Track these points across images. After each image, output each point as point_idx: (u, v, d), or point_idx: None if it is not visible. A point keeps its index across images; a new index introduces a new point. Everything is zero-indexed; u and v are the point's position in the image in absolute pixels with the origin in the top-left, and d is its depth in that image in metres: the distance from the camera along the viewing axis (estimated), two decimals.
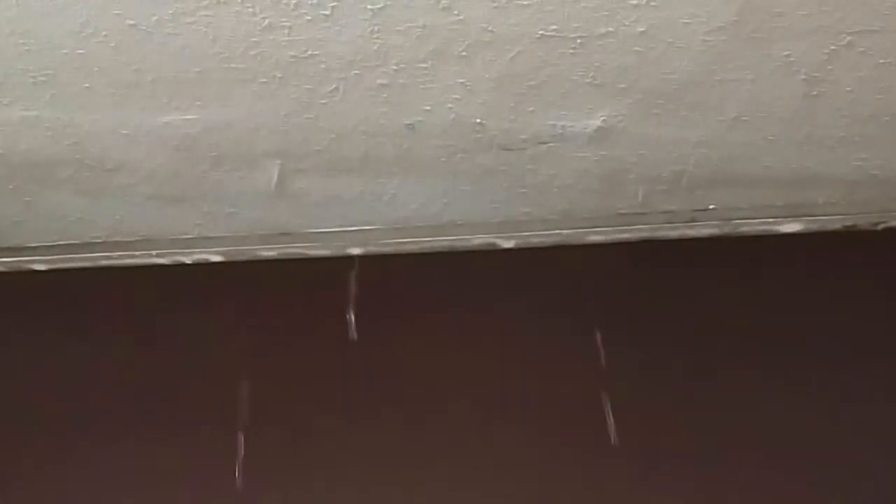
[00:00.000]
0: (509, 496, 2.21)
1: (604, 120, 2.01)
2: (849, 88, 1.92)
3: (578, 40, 1.81)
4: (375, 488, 2.24)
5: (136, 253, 2.48)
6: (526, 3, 1.74)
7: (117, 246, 2.47)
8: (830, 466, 2.18)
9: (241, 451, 2.30)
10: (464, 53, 1.84)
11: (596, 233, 2.37)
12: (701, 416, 2.24)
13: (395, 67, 1.87)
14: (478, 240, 2.40)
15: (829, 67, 1.87)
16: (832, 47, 1.82)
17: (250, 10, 1.74)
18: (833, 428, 2.21)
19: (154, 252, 2.47)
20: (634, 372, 2.28)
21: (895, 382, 2.23)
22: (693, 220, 2.34)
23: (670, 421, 2.24)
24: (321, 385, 2.36)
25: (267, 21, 1.76)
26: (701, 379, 2.27)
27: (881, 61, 1.85)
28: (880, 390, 2.23)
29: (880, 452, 2.19)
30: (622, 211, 2.33)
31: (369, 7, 1.74)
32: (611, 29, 1.79)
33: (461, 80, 1.90)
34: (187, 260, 2.49)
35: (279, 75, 1.89)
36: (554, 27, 1.78)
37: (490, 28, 1.79)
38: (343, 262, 2.44)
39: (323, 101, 1.95)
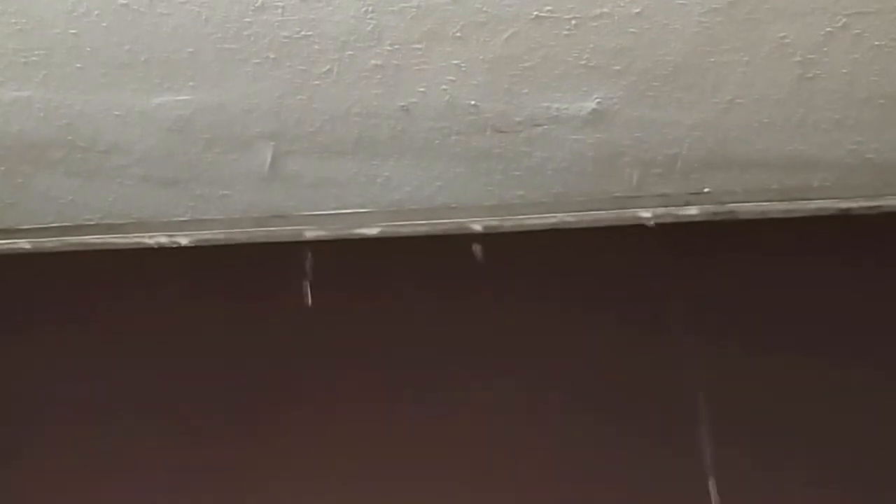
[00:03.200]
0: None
1: (598, 102, 2.01)
2: (844, 71, 1.91)
3: (573, 21, 1.80)
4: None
5: (129, 235, 2.47)
6: None
7: (110, 228, 2.46)
8: (829, 452, 2.19)
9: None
10: (458, 34, 1.83)
11: (591, 216, 2.36)
12: (692, 397, 2.24)
13: (388, 48, 1.86)
14: (472, 223, 2.39)
15: (825, 49, 1.86)
16: (828, 29, 1.81)
17: None
18: (829, 413, 2.21)
19: (147, 234, 2.47)
20: (626, 355, 2.28)
21: (889, 364, 2.23)
22: (688, 204, 2.33)
23: (662, 402, 2.24)
24: (314, 367, 2.37)
25: (260, 1, 1.76)
26: (693, 363, 2.27)
27: (876, 43, 1.84)
28: (876, 375, 2.23)
29: (871, 433, 2.19)
30: (617, 194, 2.32)
31: None
32: (605, 10, 1.78)
33: (455, 62, 1.90)
34: (180, 242, 2.48)
35: (272, 56, 1.88)
36: (548, 8, 1.78)
37: (484, 9, 1.78)
38: (336, 245, 2.44)
39: (316, 83, 1.95)
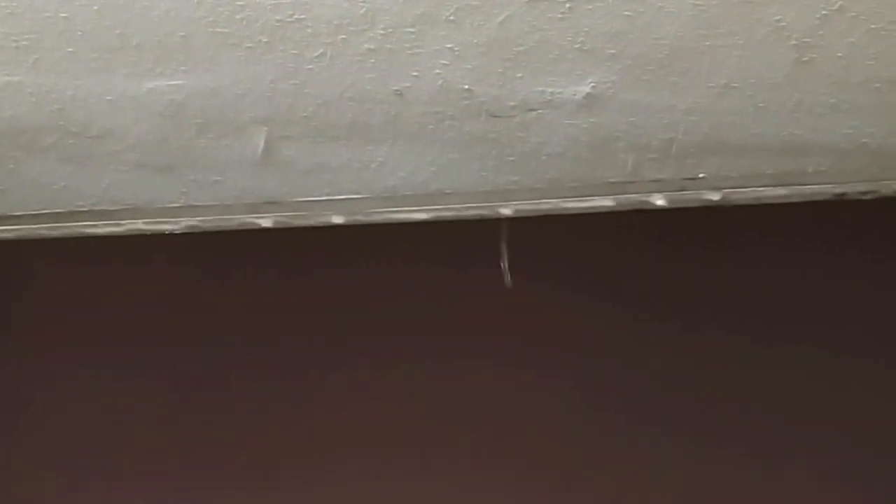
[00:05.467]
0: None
1: (593, 86, 1.99)
2: (840, 54, 1.90)
3: (567, 4, 1.78)
4: None
5: (122, 222, 2.46)
6: None
7: (103, 215, 2.45)
8: (819, 436, 2.19)
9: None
10: (451, 18, 1.81)
11: (585, 201, 2.35)
12: (689, 384, 2.24)
13: (382, 32, 1.85)
14: (466, 209, 2.38)
15: (821, 33, 1.85)
16: (823, 12, 1.80)
17: None
18: (822, 396, 2.21)
19: (140, 221, 2.46)
20: (622, 341, 2.28)
21: (884, 350, 2.23)
22: (683, 189, 2.33)
23: (657, 388, 2.24)
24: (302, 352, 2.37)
25: None
26: (690, 349, 2.27)
27: (873, 26, 1.83)
28: (873, 360, 2.23)
29: (869, 421, 2.19)
30: (611, 180, 2.31)
31: None
32: None
33: (449, 46, 1.88)
34: (174, 229, 2.47)
35: (265, 40, 1.86)
36: None
37: None
38: (329, 232, 2.43)
39: (309, 67, 1.93)
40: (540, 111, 2.06)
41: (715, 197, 2.33)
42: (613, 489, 2.20)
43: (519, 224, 2.38)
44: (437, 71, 1.94)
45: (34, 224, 2.47)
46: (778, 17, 1.82)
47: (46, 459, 2.37)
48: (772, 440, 2.19)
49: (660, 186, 2.32)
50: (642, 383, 2.25)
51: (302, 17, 1.81)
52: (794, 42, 1.87)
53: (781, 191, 2.31)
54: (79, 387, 2.41)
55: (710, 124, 2.11)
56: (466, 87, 1.99)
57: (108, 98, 2.03)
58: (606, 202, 2.35)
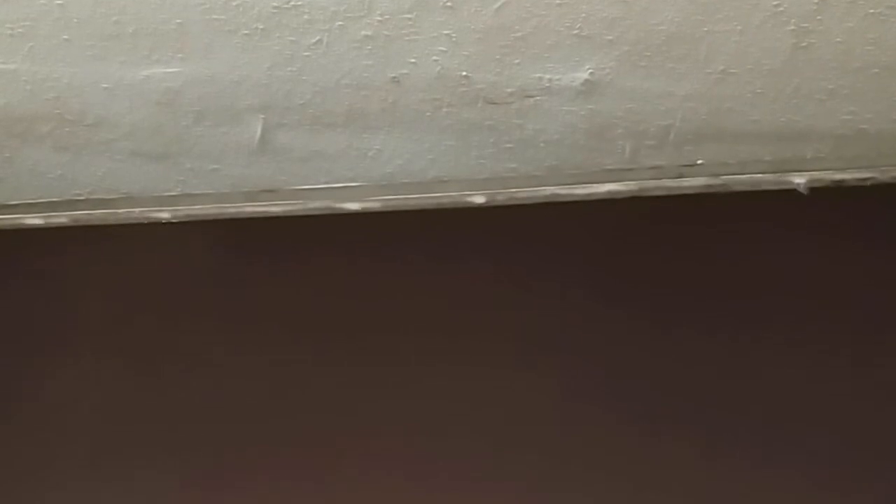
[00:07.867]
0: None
1: (591, 73, 1.99)
2: (839, 39, 1.90)
3: None
4: None
5: (119, 211, 2.46)
6: None
7: (99, 203, 2.44)
8: (816, 424, 2.19)
9: None
10: (449, 4, 1.81)
11: (583, 189, 2.35)
12: (686, 373, 2.24)
13: (379, 18, 1.84)
14: (463, 196, 2.38)
15: (819, 18, 1.84)
16: None
17: None
18: (820, 384, 2.21)
19: (137, 210, 2.45)
20: (620, 329, 2.28)
21: (883, 338, 2.23)
22: (681, 176, 2.32)
23: (655, 377, 2.24)
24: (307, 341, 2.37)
25: None
26: (687, 336, 2.26)
27: (871, 11, 1.82)
28: (868, 346, 2.22)
29: (866, 410, 2.19)
30: (609, 167, 2.31)
31: None
32: None
33: (446, 32, 1.88)
34: (170, 218, 2.46)
35: (261, 27, 1.86)
36: None
37: None
38: (328, 220, 2.43)
39: (306, 54, 1.93)
40: (537, 98, 2.06)
41: (713, 183, 2.32)
42: (612, 487, 2.20)
43: (516, 211, 2.37)
44: (435, 58, 1.94)
45: (30, 213, 2.47)
46: (776, 3, 1.81)
47: (40, 456, 2.37)
48: (772, 434, 2.19)
49: (658, 173, 2.31)
50: (640, 371, 2.25)
51: (298, 3, 1.80)
52: (792, 27, 1.87)
53: (780, 177, 2.31)
54: (75, 377, 2.40)
55: (708, 110, 2.11)
56: (464, 73, 1.98)
57: (104, 86, 2.02)
58: (604, 189, 2.35)
